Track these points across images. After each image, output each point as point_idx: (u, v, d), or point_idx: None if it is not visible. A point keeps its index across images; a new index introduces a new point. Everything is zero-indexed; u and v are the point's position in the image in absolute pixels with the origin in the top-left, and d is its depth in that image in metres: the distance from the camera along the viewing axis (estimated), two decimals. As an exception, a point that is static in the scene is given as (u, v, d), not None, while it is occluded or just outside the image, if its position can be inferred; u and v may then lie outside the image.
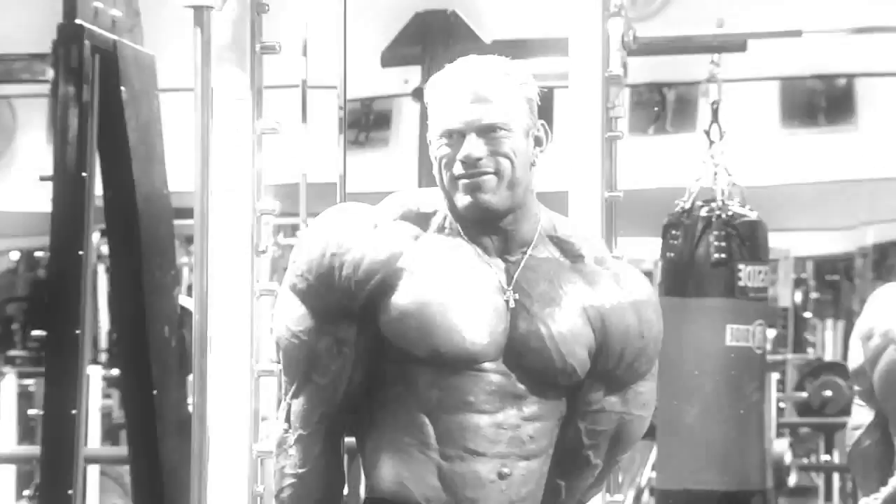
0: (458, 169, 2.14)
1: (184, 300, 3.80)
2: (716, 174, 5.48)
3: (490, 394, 2.12)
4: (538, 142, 2.22)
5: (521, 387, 2.14)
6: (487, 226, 2.17)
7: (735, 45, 5.09)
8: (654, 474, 6.79)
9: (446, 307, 2.10)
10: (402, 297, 2.11)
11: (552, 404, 2.17)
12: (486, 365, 2.12)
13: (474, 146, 2.13)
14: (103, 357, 10.82)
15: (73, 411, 3.41)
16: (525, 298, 2.15)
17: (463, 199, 2.14)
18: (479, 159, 2.13)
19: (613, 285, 2.20)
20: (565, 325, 2.14)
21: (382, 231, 2.17)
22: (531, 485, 2.16)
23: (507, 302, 2.15)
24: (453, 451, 2.11)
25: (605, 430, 2.21)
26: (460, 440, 2.11)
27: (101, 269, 10.26)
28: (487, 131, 2.14)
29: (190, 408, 2.65)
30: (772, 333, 9.14)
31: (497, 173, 2.14)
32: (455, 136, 2.15)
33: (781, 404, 9.49)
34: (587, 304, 2.17)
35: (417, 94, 3.12)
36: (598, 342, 2.17)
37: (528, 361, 2.13)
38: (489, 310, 2.12)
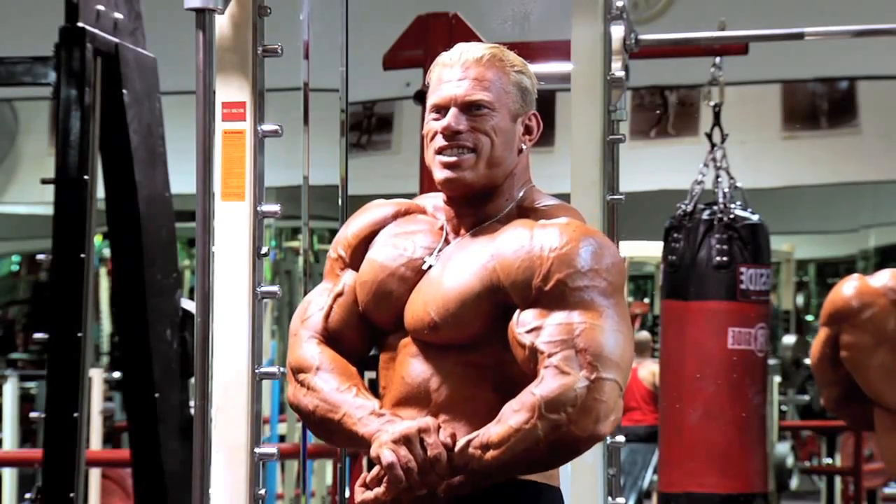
0: (438, 141, 2.21)
1: (185, 303, 3.80)
2: (718, 177, 5.48)
3: (399, 351, 2.24)
4: (528, 130, 2.27)
5: (417, 344, 2.22)
6: (460, 200, 2.24)
7: (737, 47, 5.09)
8: (656, 477, 6.79)
9: (371, 280, 2.27)
10: (363, 263, 2.32)
11: (459, 359, 2.18)
12: (395, 329, 2.25)
13: (455, 119, 2.20)
14: (105, 360, 10.84)
15: (75, 414, 3.41)
16: (442, 263, 2.22)
17: (441, 174, 2.21)
18: (458, 132, 2.19)
19: (520, 227, 2.19)
20: (451, 281, 2.18)
21: (374, 207, 2.36)
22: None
23: (425, 269, 2.24)
24: (389, 401, 2.24)
25: (564, 340, 2.08)
26: (391, 391, 2.24)
27: (103, 272, 10.28)
28: (471, 108, 2.20)
29: (191, 410, 2.65)
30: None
31: (475, 150, 2.20)
32: (442, 112, 2.22)
33: (783, 407, 9.50)
34: (488, 252, 2.18)
35: (419, 97, 3.12)
36: (498, 279, 2.15)
37: (408, 321, 2.22)
38: (396, 282, 2.25)
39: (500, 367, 2.16)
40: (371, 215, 2.36)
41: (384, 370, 2.28)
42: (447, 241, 2.26)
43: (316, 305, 2.33)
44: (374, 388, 2.33)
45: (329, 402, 2.22)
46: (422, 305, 2.19)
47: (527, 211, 2.24)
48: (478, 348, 2.17)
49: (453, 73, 2.23)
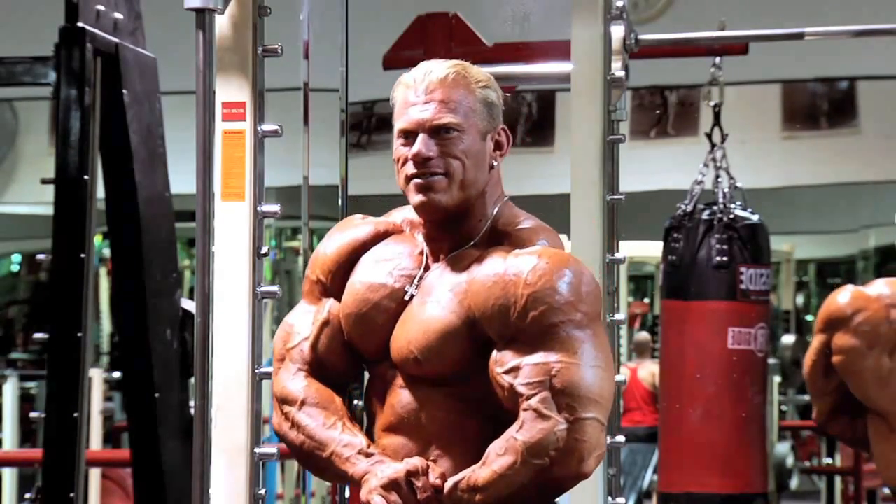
0: (409, 168, 2.21)
1: (186, 303, 3.80)
2: (717, 177, 5.48)
3: (388, 380, 2.24)
4: (498, 145, 2.27)
5: (405, 376, 2.22)
6: (436, 223, 2.24)
7: (737, 47, 5.09)
8: (656, 477, 6.79)
9: (355, 312, 2.28)
10: (345, 293, 2.31)
11: (446, 391, 2.19)
12: (382, 358, 2.26)
13: (425, 146, 2.19)
14: (105, 360, 10.84)
15: (75, 414, 3.41)
16: (422, 295, 2.22)
17: (415, 198, 2.22)
18: (429, 159, 2.19)
19: (495, 257, 2.18)
20: (431, 318, 2.18)
21: (351, 227, 2.36)
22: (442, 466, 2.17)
23: (407, 300, 2.24)
24: (378, 427, 2.26)
25: (541, 381, 2.09)
26: (382, 417, 2.25)
27: (103, 272, 10.29)
28: (439, 131, 2.20)
29: (191, 410, 2.65)
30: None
31: (447, 174, 2.20)
32: (410, 137, 2.21)
33: (783, 407, 9.50)
34: (464, 287, 2.18)
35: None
36: (474, 315, 2.16)
37: (393, 355, 2.22)
38: (379, 315, 2.25)
39: (487, 398, 2.16)
40: (349, 236, 2.36)
41: (373, 396, 2.29)
42: (427, 267, 2.26)
43: (300, 333, 2.34)
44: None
45: (316, 439, 2.24)
46: (405, 343, 2.20)
47: (502, 234, 2.24)
48: (464, 381, 2.18)
49: (418, 95, 2.21)
